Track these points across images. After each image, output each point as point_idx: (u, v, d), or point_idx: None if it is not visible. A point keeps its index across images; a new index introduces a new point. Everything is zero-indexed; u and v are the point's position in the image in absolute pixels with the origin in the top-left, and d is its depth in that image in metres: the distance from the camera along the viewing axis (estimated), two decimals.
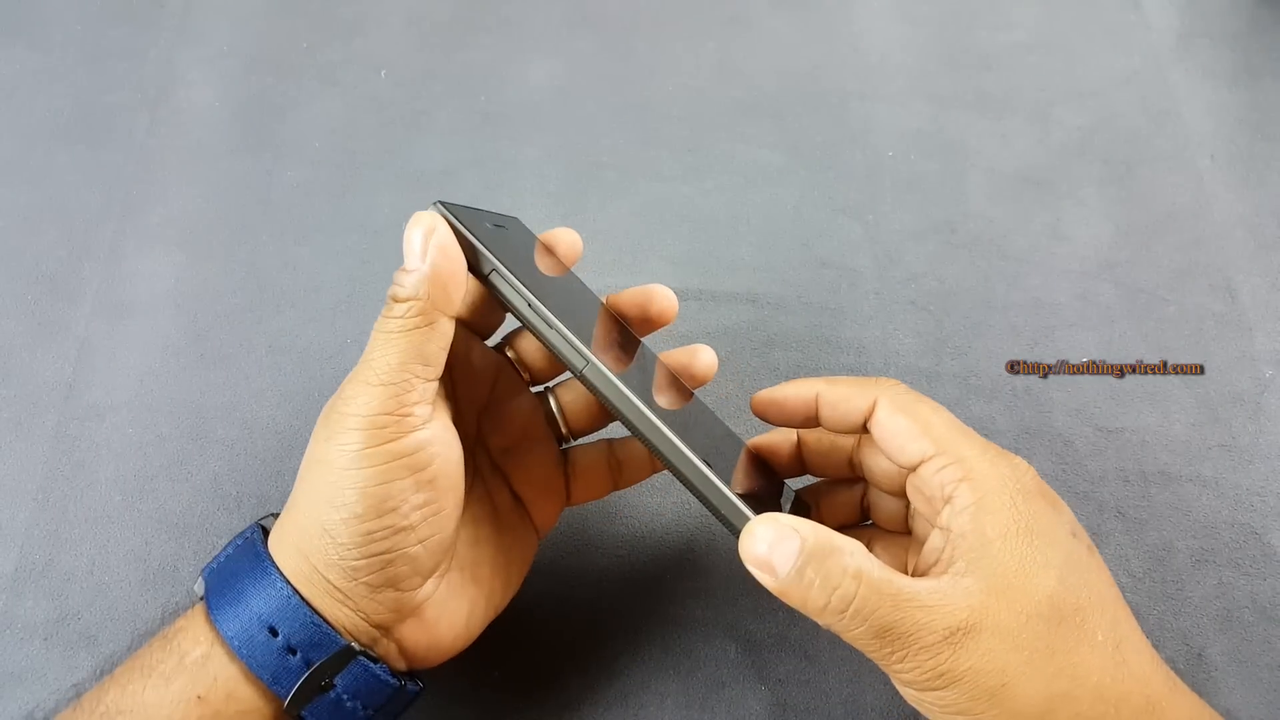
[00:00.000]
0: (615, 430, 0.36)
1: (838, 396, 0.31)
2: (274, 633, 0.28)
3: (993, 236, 0.50)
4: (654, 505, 0.42)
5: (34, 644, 0.38)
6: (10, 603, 0.39)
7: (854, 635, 0.26)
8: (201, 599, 0.30)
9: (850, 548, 0.26)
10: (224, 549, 0.31)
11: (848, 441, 0.34)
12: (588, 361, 0.29)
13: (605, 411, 0.35)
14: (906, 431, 0.29)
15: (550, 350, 0.29)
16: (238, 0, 0.56)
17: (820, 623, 0.26)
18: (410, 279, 0.28)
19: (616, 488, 0.36)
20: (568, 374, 0.34)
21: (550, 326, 0.29)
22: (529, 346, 0.35)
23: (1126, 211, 0.51)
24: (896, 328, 0.47)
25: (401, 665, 0.31)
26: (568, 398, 0.35)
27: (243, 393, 0.44)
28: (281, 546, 0.29)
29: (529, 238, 0.35)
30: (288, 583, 0.28)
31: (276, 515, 0.32)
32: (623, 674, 0.38)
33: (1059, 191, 0.51)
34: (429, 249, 0.28)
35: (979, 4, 0.58)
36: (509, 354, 0.35)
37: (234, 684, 0.28)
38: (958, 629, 0.25)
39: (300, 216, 0.49)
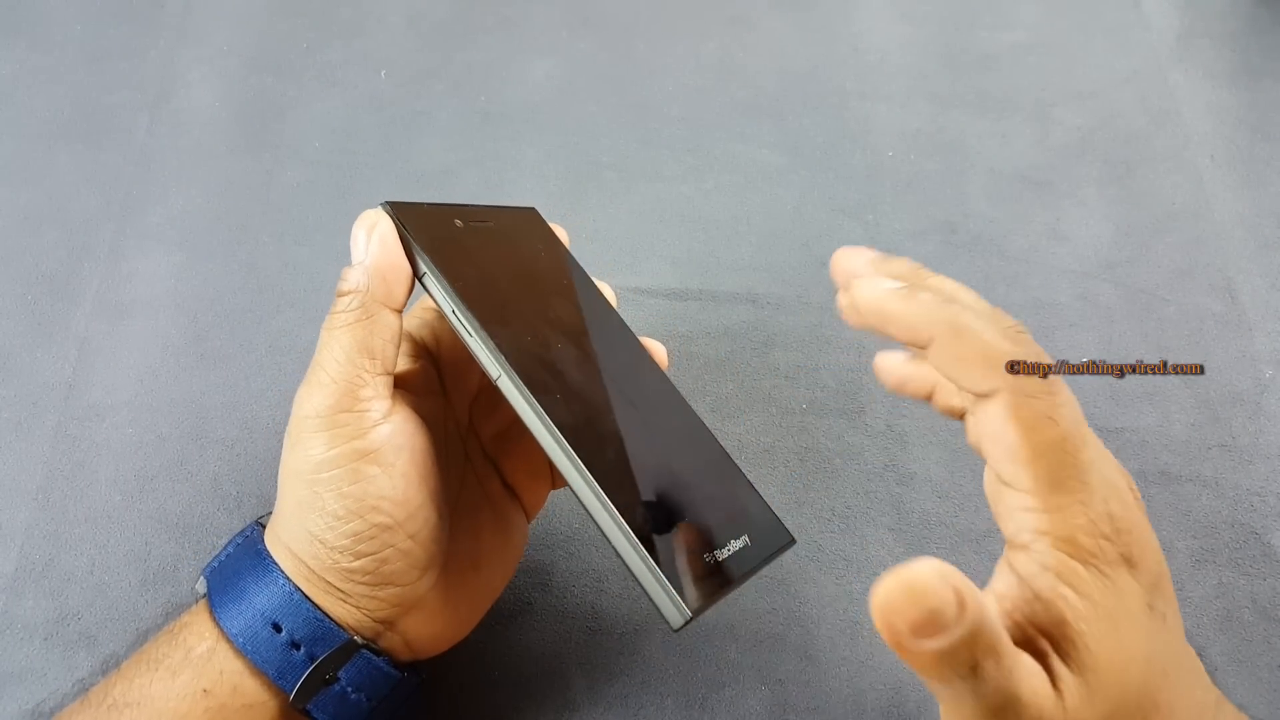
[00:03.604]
0: None
1: (956, 358, 0.25)
2: (277, 629, 0.28)
3: (993, 236, 0.50)
4: None
5: (34, 644, 0.38)
6: (10, 603, 0.39)
7: (962, 708, 0.22)
8: (204, 597, 0.30)
9: (989, 621, 0.20)
10: (224, 548, 0.31)
11: None
12: (500, 374, 0.28)
13: None
14: (1009, 452, 0.24)
15: (472, 357, 0.29)
16: (238, 0, 0.57)
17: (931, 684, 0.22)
18: (352, 273, 0.28)
19: None
20: None
21: (470, 334, 0.28)
22: None
23: (1126, 211, 0.51)
24: None
25: (406, 656, 0.31)
26: None
27: (243, 393, 0.44)
28: (277, 549, 0.29)
29: (527, 233, 0.34)
30: (289, 580, 0.28)
31: None
32: (623, 674, 0.38)
33: (1059, 191, 0.51)
34: (370, 244, 0.28)
35: (979, 4, 0.58)
36: None
37: (239, 678, 0.28)
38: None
39: (300, 216, 0.49)
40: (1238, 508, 0.42)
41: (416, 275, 0.29)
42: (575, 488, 0.27)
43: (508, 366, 0.28)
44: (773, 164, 0.52)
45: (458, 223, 0.31)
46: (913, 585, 0.19)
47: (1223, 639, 0.40)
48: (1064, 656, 0.22)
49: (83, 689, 0.31)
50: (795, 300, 0.47)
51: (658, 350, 0.34)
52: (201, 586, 0.30)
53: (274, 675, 0.28)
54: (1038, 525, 0.23)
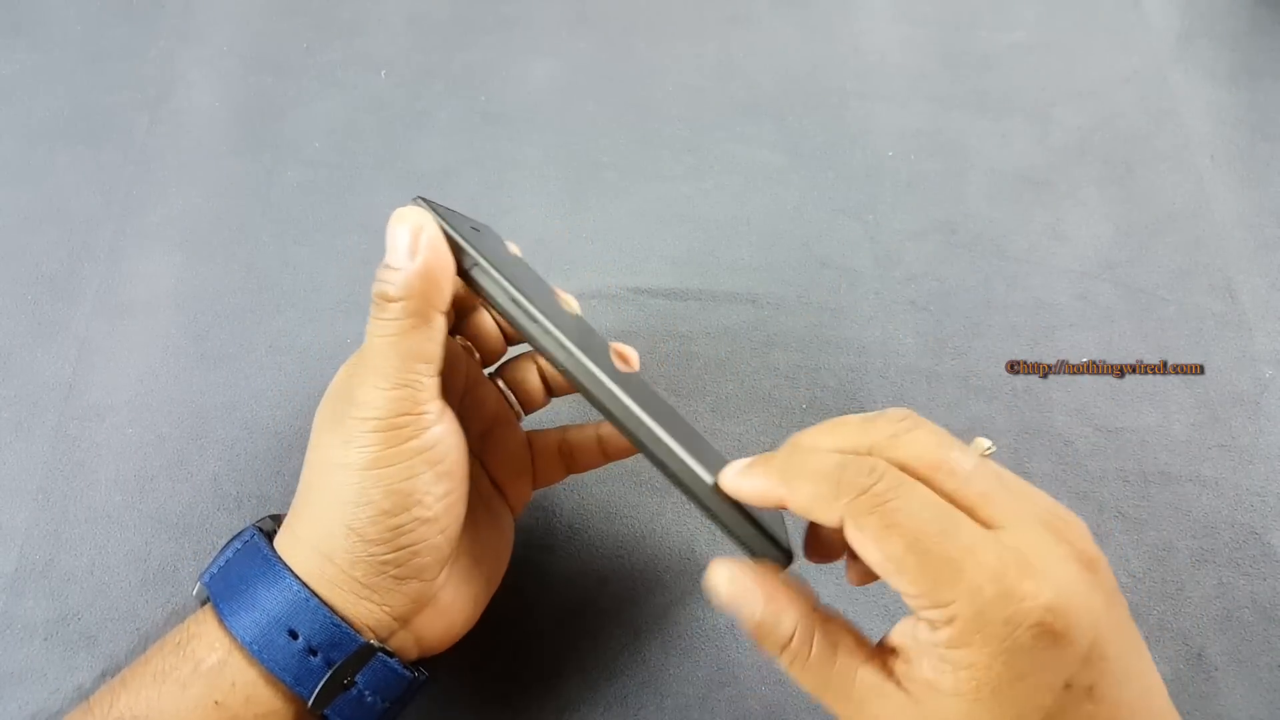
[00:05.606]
0: (575, 414, 0.36)
1: (800, 504, 0.26)
2: (294, 635, 0.28)
3: (993, 236, 0.50)
4: (654, 505, 0.42)
5: (34, 644, 0.38)
6: (10, 603, 0.39)
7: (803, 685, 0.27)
8: (207, 604, 0.30)
9: (792, 626, 0.26)
10: (221, 553, 0.31)
11: None
12: (570, 355, 0.29)
13: (550, 390, 0.36)
14: (881, 566, 0.24)
15: (534, 344, 0.29)
16: (238, 0, 0.56)
17: None
18: (401, 277, 0.28)
19: (570, 472, 0.37)
20: (508, 356, 0.35)
21: (534, 321, 0.29)
22: (481, 330, 0.35)
23: (1126, 211, 0.51)
24: (896, 328, 0.47)
25: (414, 654, 0.31)
26: (515, 377, 0.36)
27: (243, 393, 0.44)
28: (297, 549, 0.29)
29: (501, 243, 0.35)
30: (304, 585, 0.28)
31: (274, 516, 0.32)
32: (623, 674, 0.38)
33: (1059, 191, 0.51)
34: (420, 247, 0.28)
35: (979, 4, 0.58)
36: (460, 341, 0.35)
37: (253, 688, 0.28)
38: None
39: (300, 216, 0.49)
40: (1238, 508, 0.42)
41: (462, 269, 0.29)
42: (663, 456, 0.28)
43: (574, 349, 0.29)
44: (773, 164, 0.52)
45: (467, 225, 0.32)
46: (718, 578, 0.27)
47: (1223, 639, 0.40)
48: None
49: (81, 696, 0.31)
50: (795, 300, 0.47)
51: (631, 354, 0.35)
52: (199, 593, 0.30)
53: (291, 682, 0.28)
54: (937, 617, 0.23)
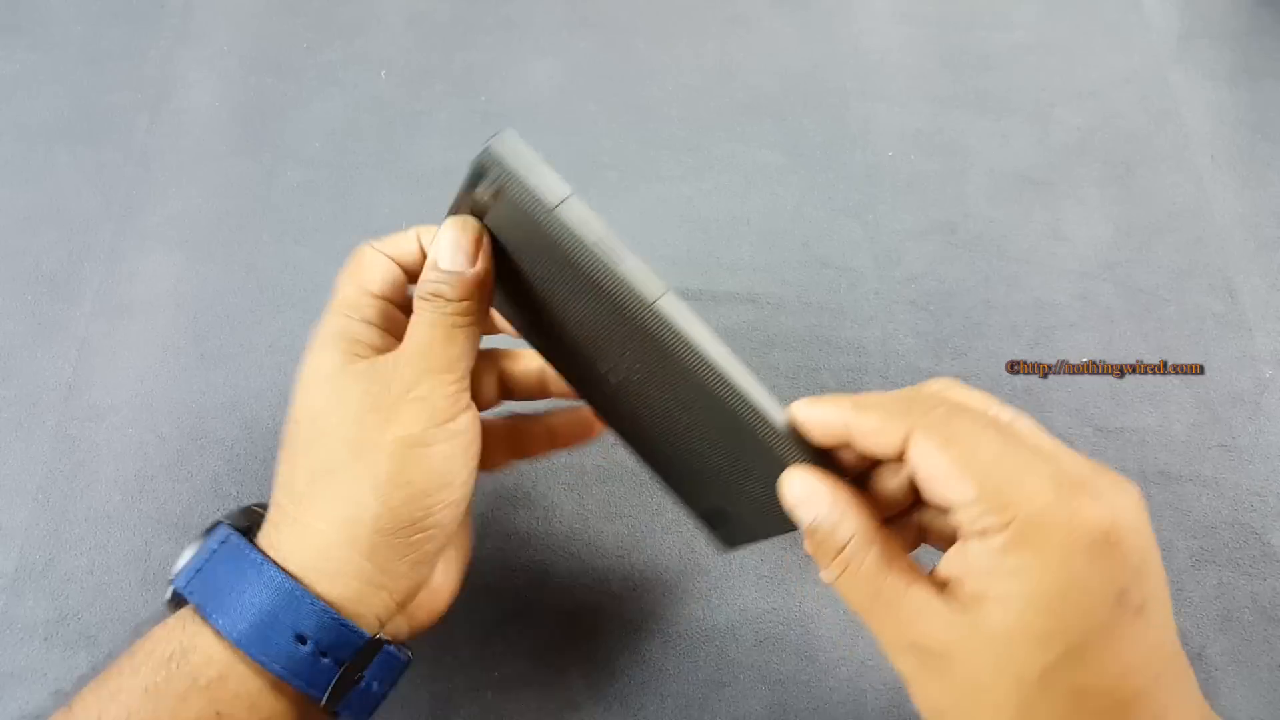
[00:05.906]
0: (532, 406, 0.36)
1: (868, 428, 0.27)
2: (302, 640, 0.28)
3: (993, 236, 0.50)
4: (654, 505, 0.42)
5: (34, 644, 0.38)
6: (10, 603, 0.39)
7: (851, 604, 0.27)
8: (190, 610, 0.29)
9: (850, 533, 0.27)
10: (196, 555, 0.30)
11: None
12: (665, 290, 0.28)
13: (506, 392, 0.35)
14: (944, 475, 0.25)
15: (615, 283, 0.28)
16: (238, 0, 0.56)
17: None
18: (461, 280, 0.29)
19: (514, 457, 0.37)
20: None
21: (621, 260, 0.27)
22: None
23: (1126, 211, 0.51)
24: (896, 328, 0.47)
25: (405, 636, 0.32)
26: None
27: (243, 393, 0.44)
28: (304, 540, 0.29)
29: None
30: (302, 585, 0.28)
31: (245, 510, 0.32)
32: (623, 674, 0.38)
33: (1059, 191, 0.51)
34: (481, 255, 0.29)
35: (979, 4, 0.58)
36: None
37: (258, 695, 0.28)
38: (928, 650, 0.25)
39: (300, 216, 0.49)
40: (1238, 508, 0.42)
41: (548, 207, 0.27)
42: (745, 395, 0.28)
43: (664, 284, 0.28)
44: (773, 164, 0.52)
45: None
46: (791, 479, 0.28)
47: (1223, 639, 0.40)
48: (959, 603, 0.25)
49: (65, 701, 0.30)
50: (795, 300, 0.47)
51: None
52: (170, 594, 0.30)
53: (304, 686, 0.28)
54: (994, 523, 0.24)
